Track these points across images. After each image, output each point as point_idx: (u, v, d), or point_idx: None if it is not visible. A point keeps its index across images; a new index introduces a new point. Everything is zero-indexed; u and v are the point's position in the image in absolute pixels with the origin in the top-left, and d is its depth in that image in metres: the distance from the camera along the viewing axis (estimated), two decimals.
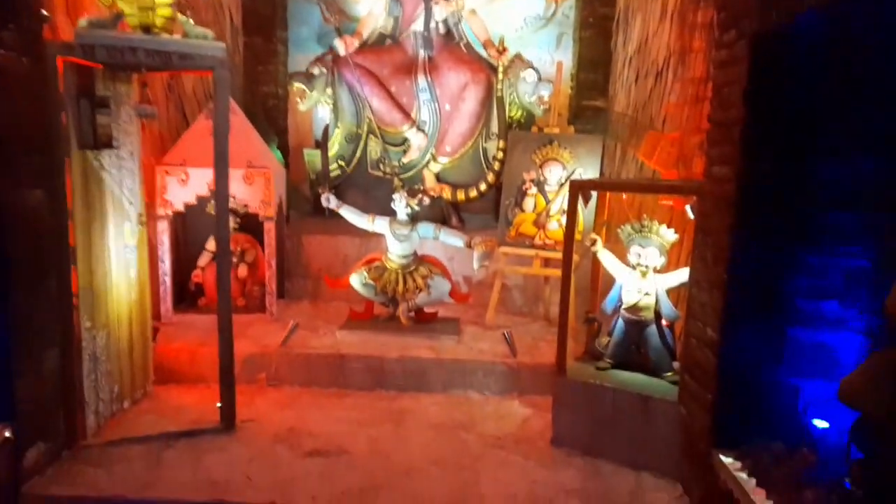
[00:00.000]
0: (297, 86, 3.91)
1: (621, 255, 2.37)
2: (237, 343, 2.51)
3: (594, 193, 2.53)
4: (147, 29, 2.28)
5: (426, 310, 3.11)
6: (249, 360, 2.84)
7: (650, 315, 2.28)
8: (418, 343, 2.93)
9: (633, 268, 2.29)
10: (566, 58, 4.42)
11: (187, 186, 3.14)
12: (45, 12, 2.08)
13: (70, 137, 2.19)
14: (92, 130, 2.25)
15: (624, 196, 2.59)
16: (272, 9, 4.49)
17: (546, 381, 2.60)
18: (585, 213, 2.82)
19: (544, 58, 4.48)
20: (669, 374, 2.27)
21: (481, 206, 3.98)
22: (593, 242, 2.39)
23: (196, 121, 3.36)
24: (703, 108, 2.53)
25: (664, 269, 2.30)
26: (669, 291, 2.27)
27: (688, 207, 2.15)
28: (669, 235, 2.25)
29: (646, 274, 2.27)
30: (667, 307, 2.25)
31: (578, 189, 2.28)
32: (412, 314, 3.05)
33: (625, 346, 2.35)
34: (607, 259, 2.37)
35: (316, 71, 3.93)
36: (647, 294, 2.26)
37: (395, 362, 2.82)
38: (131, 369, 2.58)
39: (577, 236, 2.44)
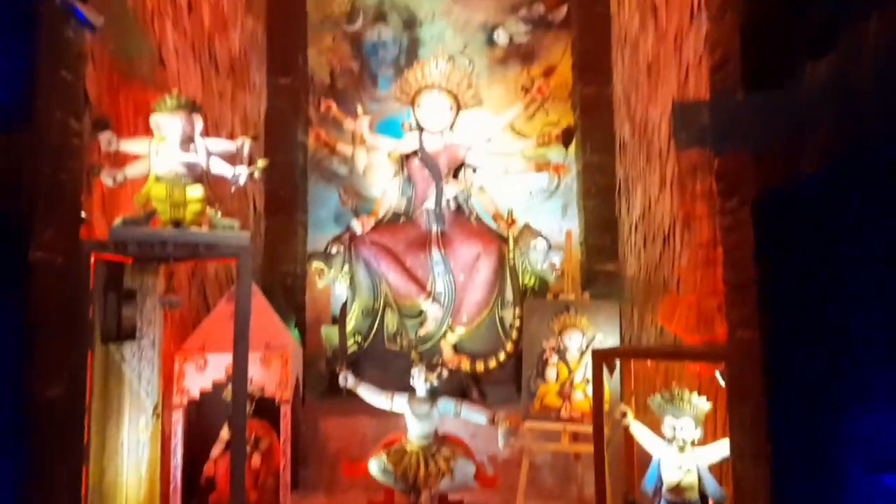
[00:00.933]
0: (316, 264, 4.05)
1: (654, 426, 2.26)
2: None
3: (618, 361, 2.48)
4: (177, 223, 2.41)
5: (451, 497, 2.91)
6: None
7: (695, 496, 2.11)
8: None
9: (670, 441, 2.17)
10: (573, 225, 4.60)
11: (205, 373, 3.11)
12: (83, 214, 2.22)
13: (95, 331, 2.22)
14: (116, 323, 2.29)
15: (649, 362, 2.54)
16: (293, 192, 4.78)
17: None
18: (611, 383, 2.75)
19: (552, 226, 4.67)
20: None
21: (501, 376, 3.91)
22: (623, 415, 2.29)
23: (217, 305, 3.43)
24: (715, 271, 2.56)
25: (702, 441, 2.18)
26: (712, 467, 2.12)
27: (717, 374, 2.09)
28: (702, 404, 2.16)
29: (684, 448, 2.14)
30: (711, 486, 2.10)
31: (602, 359, 2.23)
32: (436, 502, 2.85)
33: None
34: (641, 433, 2.26)
35: (334, 250, 4.08)
36: (688, 471, 2.12)
37: None
38: None
39: (605, 407, 2.34)
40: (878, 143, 1.25)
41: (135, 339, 2.37)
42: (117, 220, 2.32)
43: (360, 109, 4.41)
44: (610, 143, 4.53)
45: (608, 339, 3.09)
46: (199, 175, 2.49)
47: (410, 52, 5.03)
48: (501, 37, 5.01)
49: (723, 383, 2.06)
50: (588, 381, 3.05)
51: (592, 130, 4.58)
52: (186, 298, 3.46)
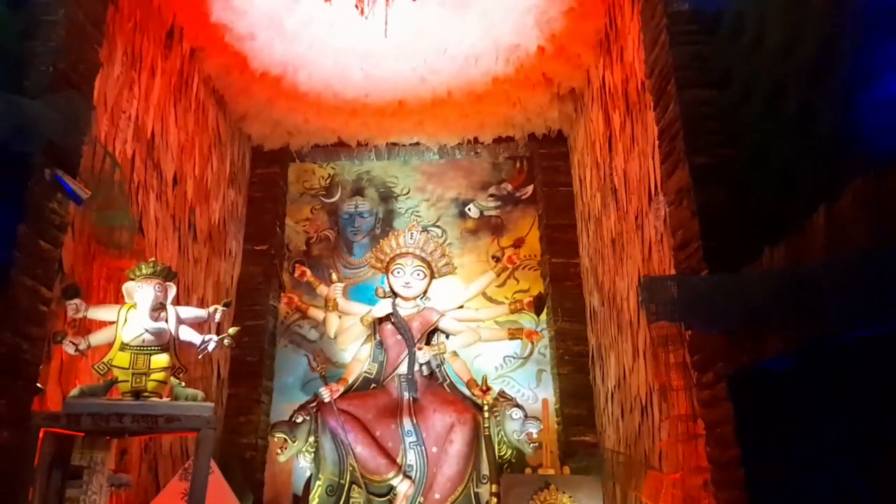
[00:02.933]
0: (279, 436, 3.84)
1: None
2: None
3: None
4: (137, 394, 2.30)
5: None
6: None
7: None
8: None
9: None
10: (547, 393, 4.53)
11: None
12: (40, 385, 2.11)
13: None
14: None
15: None
16: (260, 357, 4.67)
17: None
18: None
19: (526, 394, 4.60)
20: None
21: None
22: None
23: (168, 484, 3.16)
24: (697, 446, 2.49)
25: None
26: None
27: None
28: None
29: None
30: None
31: None
32: None
33: None
34: None
35: (299, 419, 3.90)
36: None
37: None
38: None
39: None
40: (836, 330, 1.29)
41: None
42: (73, 391, 2.20)
43: (334, 276, 4.47)
44: (580, 312, 4.63)
45: None
46: (166, 343, 2.44)
47: (386, 223, 5.25)
48: (473, 210, 5.29)
49: None
50: None
51: (563, 299, 4.70)
52: (136, 476, 3.20)
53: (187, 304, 3.42)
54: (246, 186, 5.07)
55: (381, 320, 4.33)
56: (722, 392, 1.81)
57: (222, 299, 2.55)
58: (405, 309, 4.33)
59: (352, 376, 4.22)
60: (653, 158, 3.04)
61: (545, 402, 3.55)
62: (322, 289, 4.63)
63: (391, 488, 3.77)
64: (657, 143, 2.41)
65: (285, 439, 3.82)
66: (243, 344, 4.69)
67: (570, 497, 2.97)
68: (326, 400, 3.91)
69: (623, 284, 3.63)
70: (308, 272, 4.70)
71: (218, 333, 2.61)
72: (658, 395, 2.94)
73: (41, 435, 2.05)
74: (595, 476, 3.30)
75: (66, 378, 2.53)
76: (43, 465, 2.06)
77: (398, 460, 3.83)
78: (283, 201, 5.28)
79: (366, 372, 4.26)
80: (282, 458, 3.86)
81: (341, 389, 4.05)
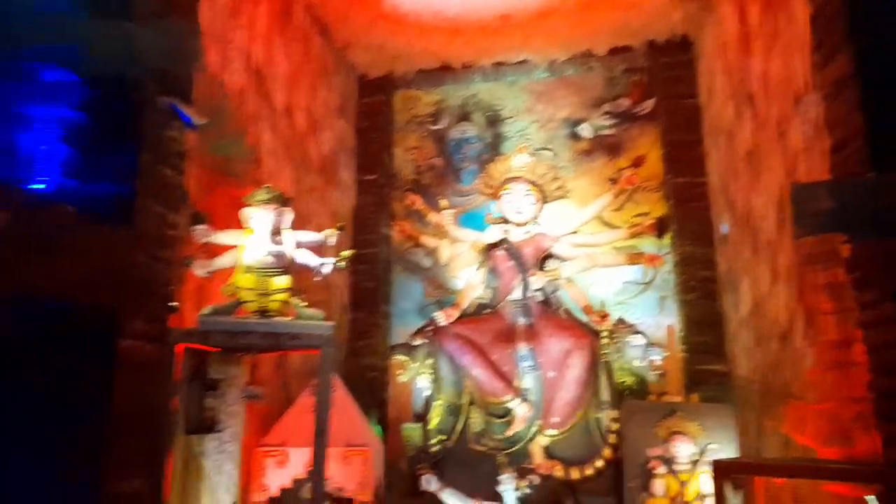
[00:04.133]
0: (399, 357, 3.94)
1: None
2: None
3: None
4: (263, 313, 2.39)
5: None
6: None
7: None
8: None
9: None
10: (670, 321, 4.29)
11: (285, 468, 3.00)
12: (175, 303, 2.24)
13: (177, 423, 2.17)
14: (199, 415, 2.24)
15: (778, 480, 2.19)
16: (377, 285, 4.78)
17: None
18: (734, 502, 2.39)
19: (648, 322, 4.37)
20: None
21: (599, 486, 3.51)
22: None
23: (299, 398, 3.35)
24: (850, 374, 2.23)
25: None
26: None
27: (870, 499, 1.74)
28: None
29: None
30: None
31: (726, 473, 1.93)
32: None
33: None
34: None
35: (417, 342, 3.97)
36: None
37: None
38: None
39: None
40: None
41: (217, 431, 2.30)
42: (205, 310, 2.32)
43: (443, 203, 4.42)
44: (708, 235, 4.28)
45: (723, 447, 2.73)
46: (286, 265, 2.50)
47: (494, 148, 5.07)
48: (586, 130, 4.97)
49: None
50: (703, 498, 2.68)
51: (687, 221, 4.36)
52: (270, 392, 3.41)
53: None
54: (354, 116, 5.07)
55: (492, 246, 4.26)
56: (891, 310, 1.56)
57: (343, 255, 2.56)
58: (517, 235, 4.21)
59: (465, 302, 4.21)
60: (801, 52, 2.64)
61: (671, 328, 3.35)
62: (432, 216, 4.62)
63: (508, 410, 3.78)
64: (810, 27, 2.06)
65: (405, 361, 3.92)
66: (360, 271, 4.82)
67: (698, 425, 2.80)
68: (442, 324, 3.94)
69: (760, 202, 3.28)
70: (418, 200, 4.69)
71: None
72: (803, 320, 2.66)
73: (179, 350, 2.19)
74: (726, 405, 3.09)
75: (199, 299, 2.68)
76: (184, 377, 2.21)
77: (515, 384, 3.82)
78: (391, 130, 5.24)
79: (479, 298, 4.23)
80: (402, 379, 3.97)
81: (456, 314, 4.06)
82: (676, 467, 2.75)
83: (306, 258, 2.55)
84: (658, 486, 2.74)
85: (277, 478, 2.99)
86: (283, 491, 3.01)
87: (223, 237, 2.53)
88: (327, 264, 2.53)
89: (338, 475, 3.01)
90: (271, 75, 3.58)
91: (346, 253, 2.59)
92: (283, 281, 2.46)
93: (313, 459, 2.20)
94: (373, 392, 4.47)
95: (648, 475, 2.78)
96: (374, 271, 4.84)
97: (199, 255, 2.58)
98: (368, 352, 4.67)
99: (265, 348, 2.33)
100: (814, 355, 2.47)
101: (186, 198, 2.59)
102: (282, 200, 2.55)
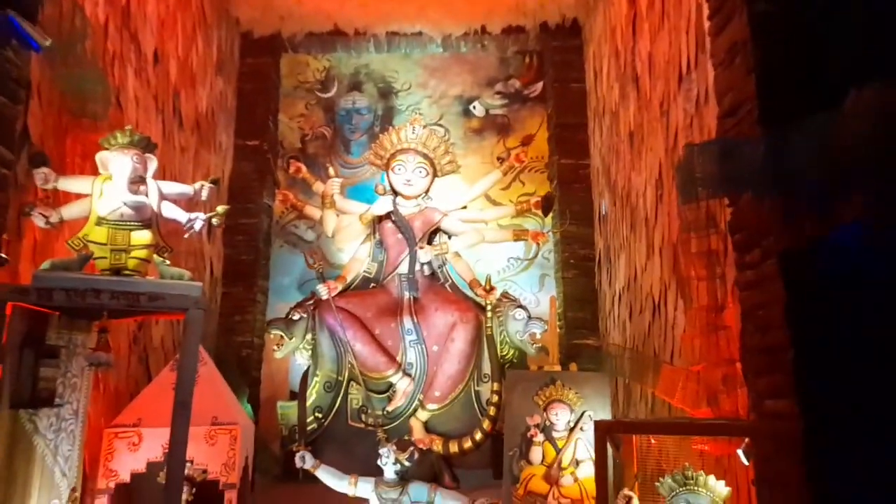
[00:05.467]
0: (275, 332, 3.72)
1: None
2: None
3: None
4: (118, 272, 2.11)
5: None
6: None
7: None
8: None
9: None
10: (548, 300, 4.40)
11: (138, 451, 2.69)
12: (4, 255, 1.90)
13: (2, 394, 1.85)
14: (31, 386, 1.92)
15: (652, 440, 2.25)
16: (255, 257, 4.49)
17: None
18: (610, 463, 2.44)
19: (529, 298, 4.46)
20: None
21: (477, 458, 3.52)
22: (628, 500, 1.98)
23: (160, 374, 3.03)
24: (720, 338, 2.34)
25: None
26: None
27: (740, 452, 1.82)
28: (720, 488, 1.87)
29: None
30: None
31: (607, 432, 1.94)
32: None
33: None
34: None
35: (296, 316, 3.76)
36: None
37: None
38: None
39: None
40: None
41: (52, 405, 1.99)
42: (44, 265, 2.00)
43: (331, 170, 4.22)
44: (588, 215, 4.42)
45: (598, 414, 2.80)
46: (147, 219, 2.22)
47: (385, 121, 4.94)
48: (478, 109, 4.98)
49: (745, 462, 1.79)
50: (578, 463, 2.73)
51: (571, 202, 4.48)
52: (126, 367, 3.07)
53: None
54: (235, 77, 4.72)
55: (380, 219, 4.13)
56: (770, 269, 1.61)
57: (218, 212, 2.29)
58: (406, 208, 4.11)
59: (350, 275, 4.06)
60: (686, 33, 2.74)
61: (552, 299, 3.41)
62: (318, 186, 4.40)
63: (390, 385, 3.68)
64: None
65: (282, 336, 3.70)
66: (237, 243, 4.51)
67: (576, 393, 2.85)
68: (324, 297, 3.76)
69: (640, 179, 3.40)
70: (304, 168, 4.46)
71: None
72: (676, 289, 2.78)
73: (9, 310, 1.87)
74: (603, 374, 3.19)
75: (40, 256, 2.32)
76: (12, 342, 1.89)
77: (398, 358, 3.73)
78: (276, 95, 4.94)
79: (365, 271, 4.10)
80: (278, 355, 3.75)
81: (339, 287, 3.90)
82: (554, 434, 2.78)
83: (173, 212, 2.27)
84: (536, 453, 2.76)
85: (129, 462, 2.67)
86: (135, 476, 2.70)
87: (71, 183, 2.20)
88: (198, 220, 2.27)
89: (201, 456, 2.75)
90: (140, 15, 3.20)
91: (221, 208, 2.33)
92: (144, 236, 2.18)
93: (171, 436, 1.97)
94: (245, 370, 4.20)
95: (528, 444, 2.79)
96: (252, 243, 4.55)
97: (41, 203, 2.23)
98: (243, 329, 4.38)
99: (118, 310, 2.04)
100: (686, 322, 2.58)
101: (27, 136, 2.24)
102: (145, 145, 2.26)
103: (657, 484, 1.94)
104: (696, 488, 1.86)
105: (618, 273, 3.80)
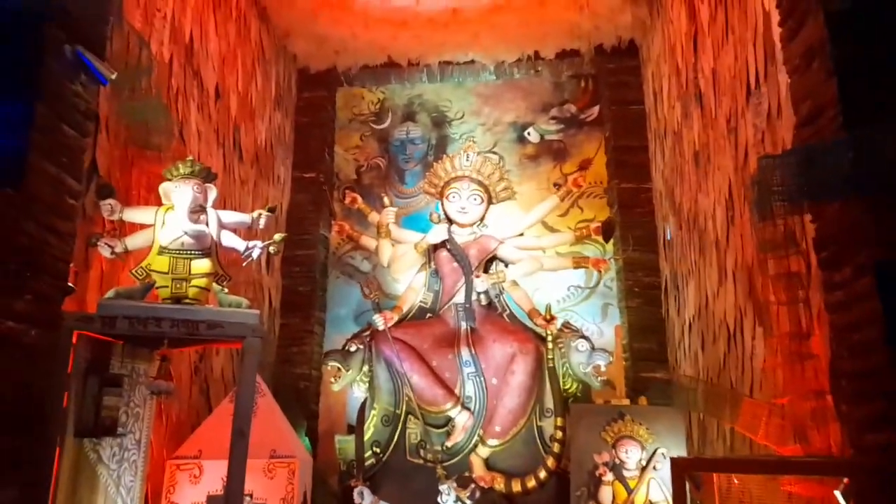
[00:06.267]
0: (332, 364, 3.68)
1: None
2: None
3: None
4: (178, 300, 2.12)
5: None
6: None
7: None
8: None
9: None
10: (611, 330, 4.22)
11: (199, 483, 2.68)
12: (71, 285, 1.93)
13: (68, 423, 1.86)
14: (95, 414, 1.92)
15: (735, 481, 2.07)
16: (312, 289, 4.51)
17: None
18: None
19: (591, 328, 4.28)
20: None
21: (542, 498, 3.34)
22: None
23: (220, 405, 3.03)
24: (805, 368, 2.15)
25: None
26: None
27: (837, 494, 1.63)
28: None
29: None
30: None
31: (685, 471, 1.79)
32: None
33: None
34: None
35: (352, 348, 3.72)
36: None
37: None
38: None
39: None
40: None
41: (115, 435, 1.99)
42: (108, 293, 2.02)
43: (386, 200, 4.21)
44: (652, 240, 4.26)
45: (672, 451, 2.61)
46: (207, 248, 2.23)
47: (439, 150, 4.93)
48: (533, 135, 4.91)
49: None
50: None
51: (632, 227, 4.32)
52: (188, 398, 3.09)
53: None
54: (293, 110, 4.83)
55: (435, 248, 4.07)
56: (865, 287, 1.46)
57: (275, 240, 2.30)
58: (461, 236, 4.05)
59: (406, 305, 4.00)
60: (753, 44, 2.61)
61: (617, 328, 3.24)
62: (374, 216, 4.39)
63: (449, 419, 3.57)
64: (774, 4, 1.99)
65: (339, 368, 3.65)
66: (294, 274, 4.55)
67: (647, 429, 2.67)
68: (381, 328, 3.71)
69: (708, 201, 3.24)
70: (359, 199, 4.46)
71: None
72: (753, 315, 2.59)
73: (74, 338, 1.89)
74: (675, 408, 2.99)
75: (106, 286, 2.36)
76: (77, 370, 1.90)
77: (456, 391, 3.62)
78: (332, 127, 5.02)
79: (421, 301, 4.03)
80: (335, 387, 3.70)
81: (395, 318, 3.84)
82: (625, 473, 2.60)
83: (232, 241, 2.29)
84: (605, 493, 2.58)
85: (190, 494, 2.66)
86: None
87: (135, 214, 2.25)
88: (256, 248, 2.28)
89: (259, 490, 2.71)
90: (202, 52, 3.32)
91: (279, 236, 2.34)
92: (204, 265, 2.20)
93: (230, 468, 1.93)
94: (303, 403, 4.18)
95: (596, 483, 2.62)
96: (310, 274, 4.57)
97: (107, 234, 2.28)
98: (300, 360, 4.38)
99: (178, 339, 2.04)
100: (766, 351, 2.39)
101: (95, 168, 2.30)
102: (206, 175, 2.29)
103: None
104: None
105: (687, 300, 3.61)
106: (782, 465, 1.87)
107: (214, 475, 2.66)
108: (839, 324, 1.62)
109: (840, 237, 1.57)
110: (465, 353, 3.68)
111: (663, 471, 2.48)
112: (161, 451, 2.75)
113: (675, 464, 1.81)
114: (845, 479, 1.60)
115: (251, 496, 2.70)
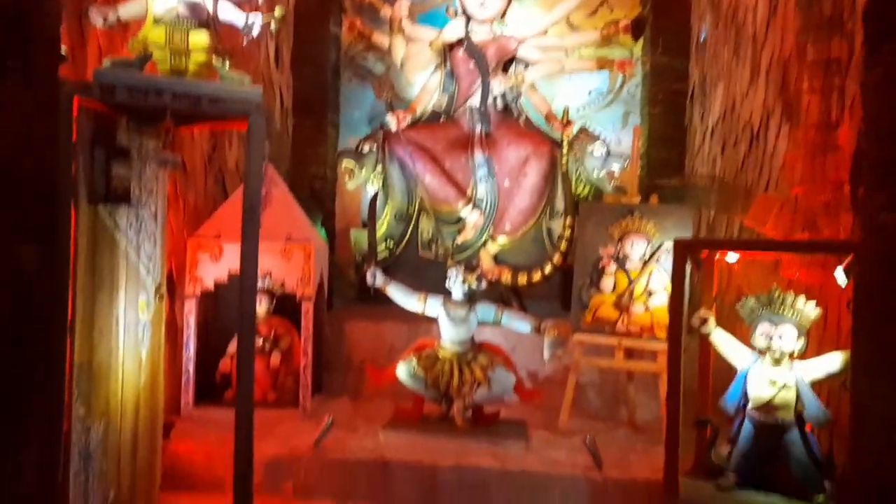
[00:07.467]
0: (346, 163, 3.68)
1: (741, 338, 1.86)
2: (262, 443, 2.11)
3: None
4: (178, 74, 2.04)
5: (486, 409, 2.59)
6: (274, 464, 2.38)
7: (789, 416, 1.72)
8: (478, 449, 2.40)
9: (762, 353, 1.77)
10: (630, 140, 4.11)
11: (220, 262, 2.82)
12: (64, 49, 1.86)
13: (79, 189, 1.89)
14: (105, 182, 1.95)
15: (734, 264, 2.10)
16: (324, 91, 4.37)
17: (642, 502, 2.02)
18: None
19: (610, 137, 4.16)
20: (820, 497, 1.68)
21: (545, 291, 3.51)
22: (704, 322, 1.89)
23: (235, 193, 3.09)
24: (826, 160, 2.09)
25: (803, 356, 1.77)
26: (814, 385, 1.72)
27: (839, 271, 1.65)
28: (809, 310, 1.74)
29: (780, 361, 1.74)
30: (813, 406, 1.70)
31: (687, 250, 1.81)
32: (469, 413, 2.53)
33: (754, 456, 1.78)
34: (725, 342, 1.86)
35: (366, 148, 3.69)
36: (784, 387, 1.71)
37: (451, 472, 2.29)
38: (133, 471, 2.12)
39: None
40: None
41: (129, 202, 2.04)
42: (105, 61, 1.95)
43: None
44: (684, 44, 3.96)
45: None
46: (204, 21, 2.10)
47: None
48: None
49: (843, 283, 1.63)
50: (650, 294, 2.64)
51: (665, 29, 4.00)
52: (203, 185, 3.14)
53: None
54: None
55: (452, 46, 3.86)
56: None
57: (275, 16, 2.12)
58: (479, 34, 3.81)
59: (420, 107, 3.90)
60: None
61: (636, 129, 3.15)
62: (386, 10, 4.11)
63: (460, 218, 3.64)
64: None
65: (352, 167, 3.67)
66: (304, 75, 4.37)
67: (655, 225, 2.69)
68: (394, 128, 3.65)
69: None
70: None
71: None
72: (781, 113, 2.47)
73: (75, 106, 1.86)
74: (685, 206, 2.99)
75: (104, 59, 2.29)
76: (83, 139, 1.90)
77: (468, 192, 3.65)
78: None
79: (435, 103, 3.92)
80: (350, 186, 3.75)
81: (409, 118, 3.76)
82: (628, 265, 2.68)
83: (229, 14, 2.14)
84: (607, 282, 2.68)
85: (212, 272, 2.82)
86: (218, 285, 2.86)
87: None
88: (256, 23, 2.13)
89: (278, 271, 2.86)
90: None
91: (279, 11, 2.18)
92: (201, 38, 2.08)
93: (243, 243, 1.99)
94: (318, 202, 4.25)
95: (599, 273, 2.71)
96: (321, 75, 4.39)
97: (97, 2, 2.15)
98: (315, 161, 4.36)
99: (180, 112, 2.00)
100: (789, 144, 2.31)
101: None
102: None
103: (737, 306, 1.83)
104: (782, 308, 1.73)
105: (713, 105, 3.45)
106: (788, 245, 1.90)
107: (233, 256, 2.76)
108: (873, 106, 1.51)
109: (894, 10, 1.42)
110: (478, 156, 3.65)
111: (665, 263, 2.54)
112: (181, 230, 2.86)
113: (678, 244, 1.83)
114: (849, 257, 1.61)
115: (270, 276, 2.85)
